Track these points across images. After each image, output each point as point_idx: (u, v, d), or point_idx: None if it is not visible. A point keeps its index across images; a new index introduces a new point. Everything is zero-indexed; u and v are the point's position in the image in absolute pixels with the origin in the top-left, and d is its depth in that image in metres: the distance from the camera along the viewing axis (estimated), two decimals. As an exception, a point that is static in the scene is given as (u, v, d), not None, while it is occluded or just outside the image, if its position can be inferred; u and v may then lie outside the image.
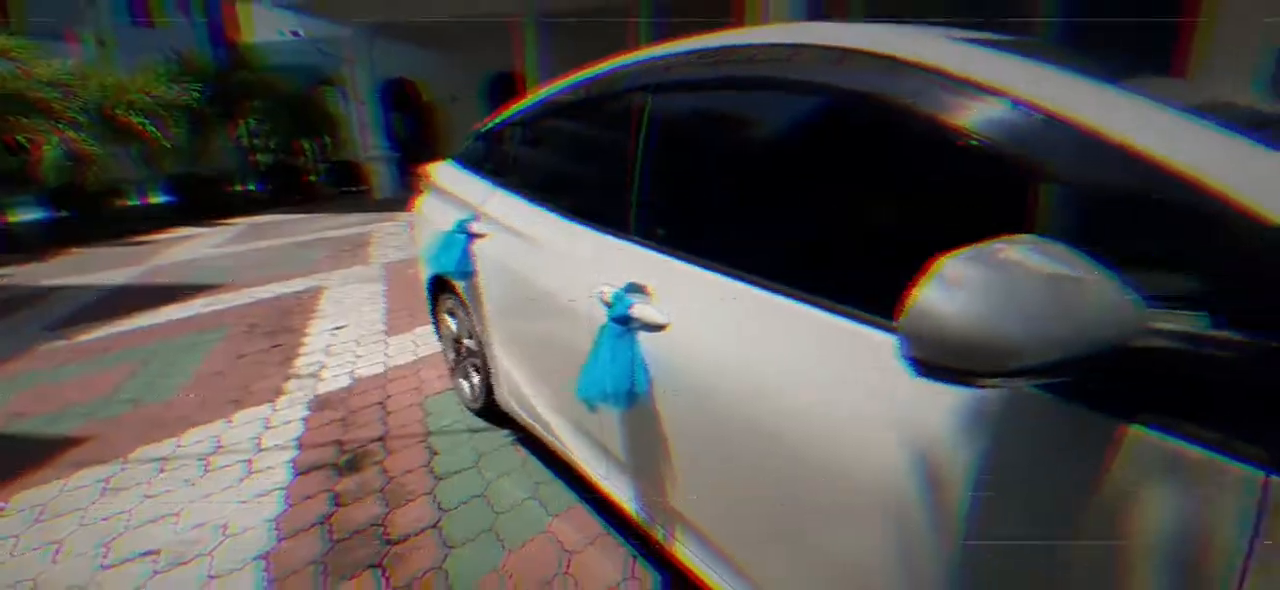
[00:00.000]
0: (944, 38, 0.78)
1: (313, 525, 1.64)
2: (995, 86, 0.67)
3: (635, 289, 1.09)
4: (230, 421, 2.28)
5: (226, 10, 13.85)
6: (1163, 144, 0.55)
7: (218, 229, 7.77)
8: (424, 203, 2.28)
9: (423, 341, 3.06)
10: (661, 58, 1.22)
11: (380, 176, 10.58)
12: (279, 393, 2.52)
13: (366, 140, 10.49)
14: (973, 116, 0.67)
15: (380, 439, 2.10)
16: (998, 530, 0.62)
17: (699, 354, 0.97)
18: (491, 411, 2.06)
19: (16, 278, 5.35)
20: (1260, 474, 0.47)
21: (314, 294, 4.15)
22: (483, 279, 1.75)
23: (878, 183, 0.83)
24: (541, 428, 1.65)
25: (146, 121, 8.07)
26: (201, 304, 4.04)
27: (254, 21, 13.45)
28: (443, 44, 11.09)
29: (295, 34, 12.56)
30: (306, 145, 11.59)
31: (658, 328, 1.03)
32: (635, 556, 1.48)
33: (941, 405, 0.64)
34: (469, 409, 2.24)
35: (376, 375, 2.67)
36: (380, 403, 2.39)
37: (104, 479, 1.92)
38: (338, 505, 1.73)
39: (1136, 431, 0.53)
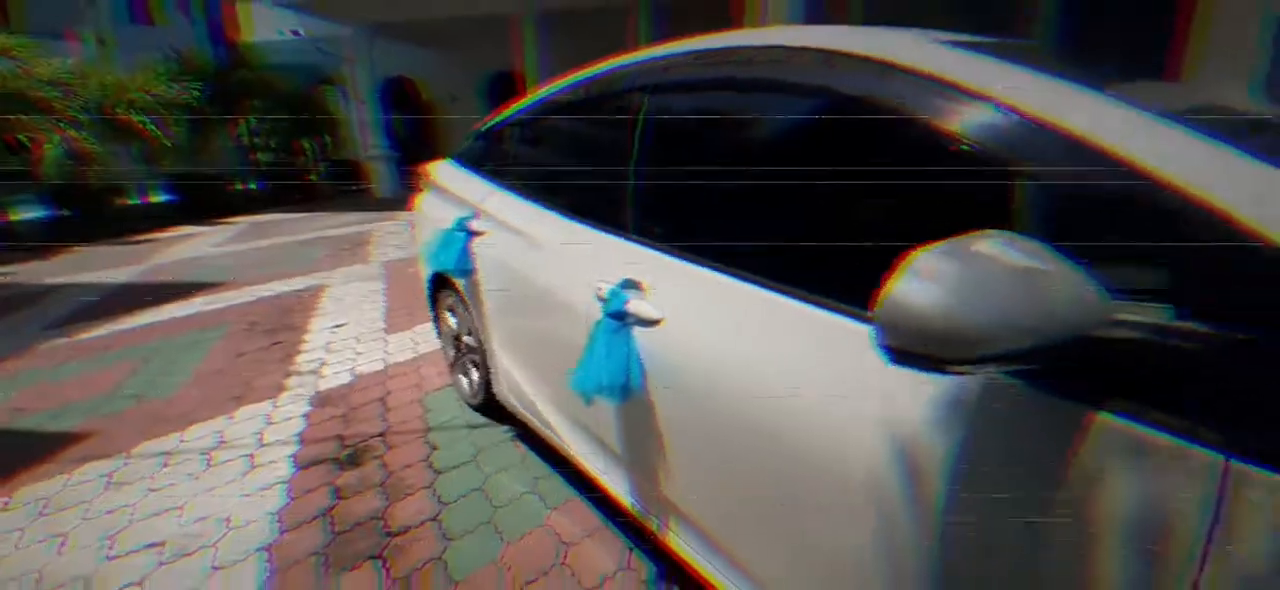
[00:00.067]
0: (925, 41, 0.81)
1: (314, 518, 1.67)
2: (972, 88, 0.70)
3: (630, 285, 1.11)
4: (232, 417, 2.30)
5: (226, 9, 13.86)
6: (1130, 144, 0.57)
7: (218, 228, 7.79)
8: (424, 201, 2.30)
9: (422, 339, 3.08)
10: (656, 59, 1.25)
11: (380, 175, 10.60)
12: (280, 389, 2.55)
13: (366, 139, 10.51)
14: (952, 117, 0.70)
15: (380, 434, 2.12)
16: (974, 514, 0.65)
17: (692, 348, 0.99)
18: (491, 407, 2.08)
19: (18, 276, 5.37)
20: (1221, 458, 0.50)
21: (314, 292, 4.18)
22: (482, 276, 1.78)
23: (861, 181, 0.85)
24: (540, 423, 1.68)
25: (147, 120, 8.07)
26: (202, 302, 4.07)
27: (254, 21, 13.46)
28: (442, 43, 11.11)
29: (295, 33, 12.58)
30: (307, 144, 11.60)
31: (652, 323, 1.05)
32: (631, 548, 1.50)
33: (922, 395, 0.67)
34: (468, 405, 2.27)
35: (377, 372, 2.69)
36: (380, 399, 2.41)
37: (107, 473, 1.95)
38: (339, 499, 1.75)
39: (1105, 419, 0.56)
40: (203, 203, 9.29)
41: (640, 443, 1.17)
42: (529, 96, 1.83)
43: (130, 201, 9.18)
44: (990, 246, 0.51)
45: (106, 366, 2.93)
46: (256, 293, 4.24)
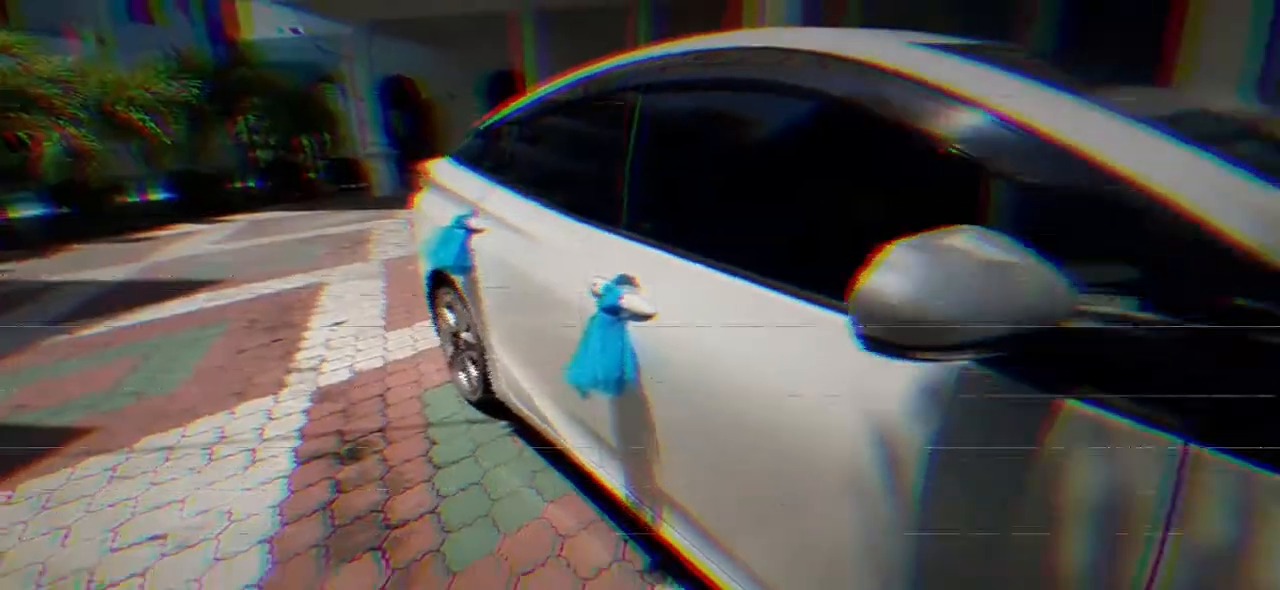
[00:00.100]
0: (906, 44, 0.84)
1: (315, 511, 1.69)
2: (949, 89, 0.72)
3: (625, 281, 1.14)
4: (233, 413, 2.33)
5: (226, 7, 13.87)
6: (1099, 144, 0.60)
7: (218, 225, 7.80)
8: (423, 199, 2.33)
9: (421, 336, 3.11)
10: (650, 60, 1.27)
11: (379, 174, 10.62)
12: (280, 385, 2.57)
13: (365, 137, 10.53)
14: (931, 117, 0.72)
15: (380, 430, 2.15)
16: (951, 497, 0.67)
17: (683, 341, 1.02)
18: (489, 403, 2.11)
19: (17, 273, 5.39)
20: (1180, 442, 0.52)
21: (314, 290, 4.20)
22: (481, 273, 1.80)
23: (845, 178, 0.88)
24: (537, 418, 1.70)
25: (146, 118, 8.10)
26: (203, 299, 4.09)
27: (253, 18, 13.48)
28: (441, 41, 11.13)
29: (294, 31, 12.60)
30: (306, 142, 11.63)
31: (645, 317, 1.08)
32: (626, 540, 1.53)
33: (900, 384, 0.70)
34: (467, 401, 2.29)
35: (376, 369, 2.71)
36: (380, 395, 2.44)
37: (110, 468, 1.97)
38: (339, 492, 1.78)
39: (1073, 406, 0.59)
40: (202, 200, 9.31)
41: (635, 435, 1.20)
42: (527, 96, 1.86)
43: (129, 199, 9.20)
44: (961, 240, 0.54)
45: (107, 363, 2.95)
46: (256, 290, 4.26)
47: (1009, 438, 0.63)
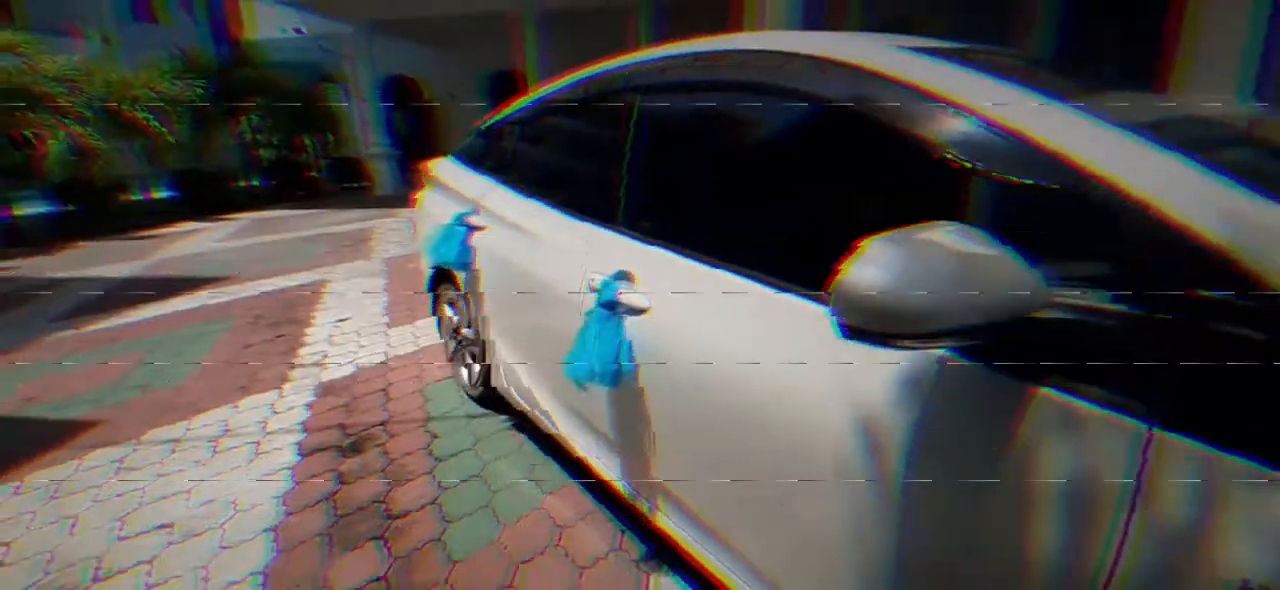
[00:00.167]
0: (897, 49, 0.86)
1: (318, 501, 1.72)
2: (936, 93, 0.75)
3: (622, 276, 1.17)
4: (237, 407, 2.36)
5: (229, 7, 13.94)
6: (1076, 146, 0.63)
7: (221, 224, 7.86)
8: (426, 197, 2.36)
9: (423, 333, 3.14)
10: (650, 61, 1.30)
11: (381, 173, 10.67)
12: (284, 380, 2.60)
13: (368, 137, 10.58)
14: (919, 120, 0.75)
15: (382, 423, 2.18)
16: (930, 482, 0.70)
17: (677, 335, 1.05)
18: (490, 398, 2.14)
19: (23, 270, 5.44)
20: (1145, 428, 0.55)
21: (317, 287, 4.23)
22: (481, 270, 1.83)
23: (835, 177, 0.91)
24: (536, 411, 1.73)
25: (151, 117, 8.16)
26: (207, 296, 4.13)
27: (256, 18, 13.54)
28: (442, 41, 11.18)
29: (297, 31, 12.66)
30: (308, 141, 11.68)
31: (641, 311, 1.11)
32: (623, 530, 1.56)
33: (882, 374, 0.72)
34: (468, 396, 2.33)
35: (378, 364, 2.75)
36: (382, 390, 2.47)
37: (117, 459, 2.01)
38: (342, 484, 1.81)
39: (1045, 393, 0.61)
40: (206, 199, 9.37)
41: (631, 427, 1.23)
42: (528, 96, 1.89)
43: (134, 197, 9.26)
44: (937, 235, 0.57)
45: (113, 358, 2.99)
46: (260, 287, 4.30)
47: (986, 425, 0.66)
